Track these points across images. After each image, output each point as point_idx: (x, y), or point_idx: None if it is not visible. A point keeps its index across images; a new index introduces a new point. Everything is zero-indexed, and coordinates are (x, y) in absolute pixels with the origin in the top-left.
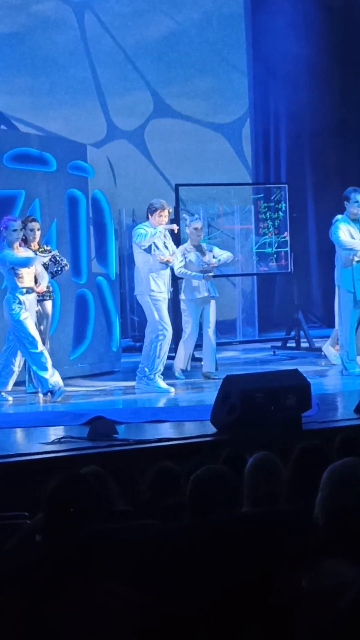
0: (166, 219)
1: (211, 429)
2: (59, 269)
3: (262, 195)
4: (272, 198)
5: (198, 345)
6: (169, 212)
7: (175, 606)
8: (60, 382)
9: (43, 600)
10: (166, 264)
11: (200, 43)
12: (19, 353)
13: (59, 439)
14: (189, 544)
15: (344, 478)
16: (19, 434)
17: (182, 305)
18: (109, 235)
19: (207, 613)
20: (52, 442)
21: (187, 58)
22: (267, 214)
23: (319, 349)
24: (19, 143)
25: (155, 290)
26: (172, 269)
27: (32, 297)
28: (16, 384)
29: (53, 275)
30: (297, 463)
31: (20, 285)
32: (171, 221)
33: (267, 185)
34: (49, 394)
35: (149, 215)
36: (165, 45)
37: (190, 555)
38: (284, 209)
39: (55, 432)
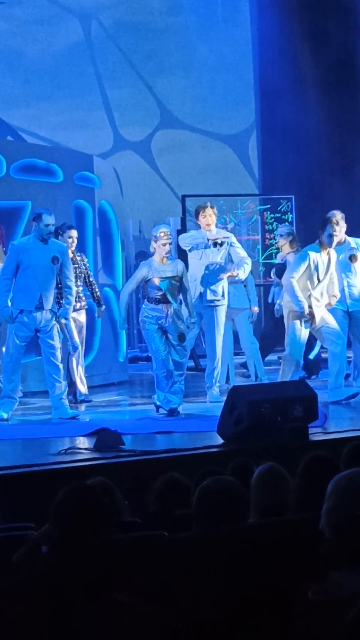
0: (211, 218)
1: (218, 440)
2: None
3: (269, 206)
4: (278, 209)
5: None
6: (212, 208)
7: (182, 617)
8: None
9: (51, 612)
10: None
11: (206, 54)
12: None
13: (65, 449)
14: (196, 555)
15: (350, 488)
16: (25, 445)
17: None
18: (115, 246)
19: (213, 624)
20: (59, 453)
21: (193, 69)
22: (274, 224)
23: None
24: (25, 154)
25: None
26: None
27: None
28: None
29: None
30: (305, 474)
31: None
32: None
33: (274, 197)
34: None
35: (197, 220)
36: (172, 57)
37: (197, 566)
38: (290, 219)
39: (62, 443)
